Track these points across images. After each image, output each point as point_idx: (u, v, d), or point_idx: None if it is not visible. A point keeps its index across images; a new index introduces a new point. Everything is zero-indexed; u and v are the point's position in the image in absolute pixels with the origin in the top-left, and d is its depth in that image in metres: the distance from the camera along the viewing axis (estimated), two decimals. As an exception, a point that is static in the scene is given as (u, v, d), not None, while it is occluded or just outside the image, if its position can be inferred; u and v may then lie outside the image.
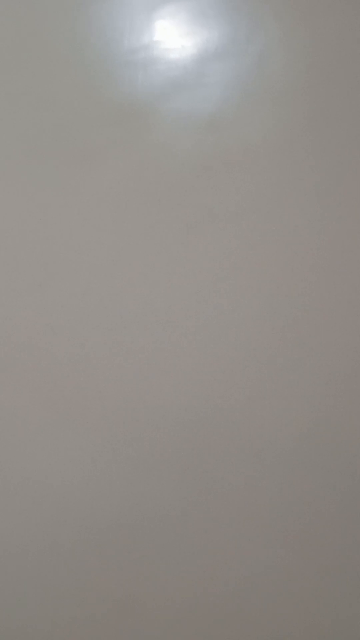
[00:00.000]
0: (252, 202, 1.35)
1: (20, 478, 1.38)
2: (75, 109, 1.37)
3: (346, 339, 1.34)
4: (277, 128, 1.35)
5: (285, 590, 1.35)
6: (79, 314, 1.37)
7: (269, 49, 1.35)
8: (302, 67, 1.35)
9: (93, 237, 1.37)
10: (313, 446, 1.34)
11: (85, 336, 1.37)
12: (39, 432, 1.37)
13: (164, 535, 1.36)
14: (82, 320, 1.37)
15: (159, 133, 1.36)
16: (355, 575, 1.33)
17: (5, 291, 1.38)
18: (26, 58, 1.39)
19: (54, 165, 1.37)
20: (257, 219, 1.35)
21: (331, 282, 1.34)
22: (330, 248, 1.34)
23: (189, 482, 1.35)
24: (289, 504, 1.34)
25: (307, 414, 1.34)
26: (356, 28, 1.35)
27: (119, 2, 1.37)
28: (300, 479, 1.34)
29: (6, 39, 1.39)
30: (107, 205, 1.37)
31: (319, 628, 1.34)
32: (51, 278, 1.38)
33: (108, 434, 1.36)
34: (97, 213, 1.37)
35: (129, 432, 1.36)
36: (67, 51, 1.38)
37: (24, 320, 1.37)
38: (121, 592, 1.37)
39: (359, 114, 1.35)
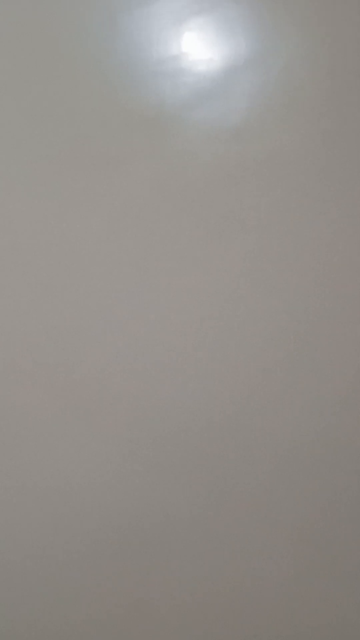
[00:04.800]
0: (277, 212, 1.35)
1: (30, 480, 1.38)
2: (102, 118, 1.38)
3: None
4: (301, 139, 1.35)
5: (296, 594, 1.34)
6: (97, 320, 1.38)
7: (294, 61, 1.35)
8: (326, 78, 1.35)
9: (116, 246, 1.38)
10: (322, 451, 1.34)
11: (102, 341, 1.37)
12: (49, 434, 1.37)
13: (173, 539, 1.36)
14: (100, 326, 1.38)
15: (184, 143, 1.36)
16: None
17: (26, 298, 1.39)
18: (52, 66, 1.40)
19: (79, 174, 1.38)
20: (281, 230, 1.35)
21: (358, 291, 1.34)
22: (357, 258, 1.34)
23: (199, 487, 1.36)
24: (299, 509, 1.34)
25: (316, 419, 1.34)
26: (382, 42, 1.35)
27: (148, 14, 1.38)
28: (312, 485, 1.34)
29: (34, 48, 1.40)
30: (132, 214, 1.38)
31: (326, 631, 1.34)
32: (73, 285, 1.39)
33: (118, 438, 1.37)
34: (122, 222, 1.38)
35: (139, 436, 1.36)
36: (96, 61, 1.39)
37: (43, 325, 1.38)
38: (130, 595, 1.37)
39: (383, 126, 1.35)
